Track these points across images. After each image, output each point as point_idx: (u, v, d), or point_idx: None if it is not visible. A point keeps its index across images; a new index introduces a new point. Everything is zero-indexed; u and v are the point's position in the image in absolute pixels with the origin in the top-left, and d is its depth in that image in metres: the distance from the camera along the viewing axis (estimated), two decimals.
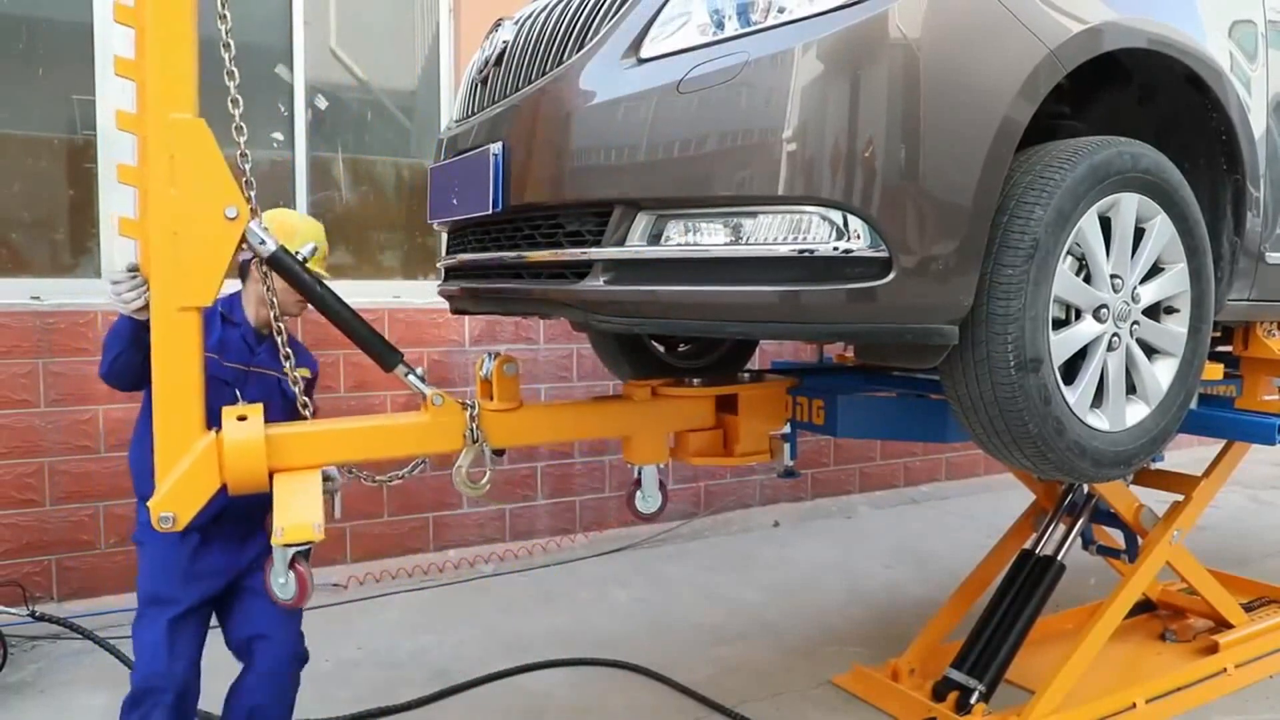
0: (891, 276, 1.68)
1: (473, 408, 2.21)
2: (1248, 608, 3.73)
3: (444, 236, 2.74)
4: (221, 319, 2.42)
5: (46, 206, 4.05)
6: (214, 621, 2.46)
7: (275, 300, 2.13)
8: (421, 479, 4.57)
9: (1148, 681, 3.16)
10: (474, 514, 4.83)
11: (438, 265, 2.92)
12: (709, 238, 1.78)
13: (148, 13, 1.78)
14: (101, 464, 3.95)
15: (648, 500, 2.61)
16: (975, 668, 3.06)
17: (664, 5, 1.86)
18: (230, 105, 1.95)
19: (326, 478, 2.22)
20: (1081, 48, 1.86)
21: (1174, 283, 2.09)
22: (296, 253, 2.11)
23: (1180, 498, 3.22)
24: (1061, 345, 1.90)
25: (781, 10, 1.74)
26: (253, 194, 1.94)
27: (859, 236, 1.68)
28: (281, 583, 1.92)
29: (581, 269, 1.95)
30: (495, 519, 4.90)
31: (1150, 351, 2.09)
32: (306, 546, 1.90)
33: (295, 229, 2.45)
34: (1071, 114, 2.29)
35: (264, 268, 2.08)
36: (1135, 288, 2.02)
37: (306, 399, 2.14)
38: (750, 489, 5.70)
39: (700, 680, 3.35)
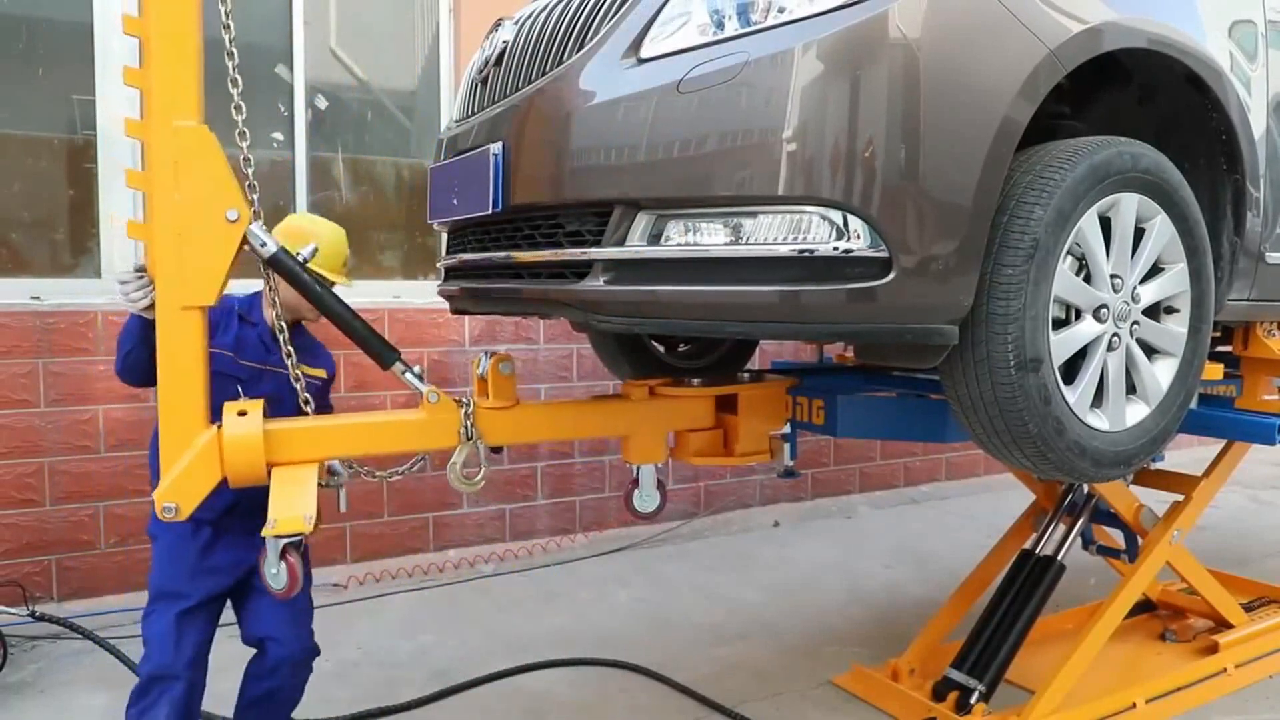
0: (891, 276, 1.68)
1: (467, 405, 2.24)
2: (1248, 608, 3.73)
3: (444, 236, 2.75)
4: (240, 319, 2.46)
5: (46, 206, 4.05)
6: (219, 622, 2.49)
7: (278, 300, 2.20)
8: (421, 479, 4.57)
9: (1148, 681, 3.17)
10: (474, 514, 4.83)
11: (438, 265, 2.92)
12: (709, 238, 1.78)
13: (153, 25, 1.86)
14: (101, 464, 3.95)
15: (645, 499, 2.61)
16: (975, 668, 3.06)
17: (664, 5, 1.86)
18: (234, 111, 2.02)
19: (333, 472, 2.32)
20: (1081, 48, 1.86)
21: (1174, 283, 2.09)
22: (297, 253, 2.15)
23: (1180, 498, 3.22)
24: (1061, 345, 1.90)
25: (781, 10, 1.74)
26: (255, 197, 2.01)
27: (859, 236, 1.68)
28: (274, 572, 1.98)
29: (581, 269, 1.95)
30: (495, 519, 4.90)
31: (1150, 351, 2.09)
32: (297, 538, 1.95)
33: (304, 233, 2.49)
34: (1071, 114, 2.29)
35: (267, 268, 2.13)
36: (1135, 288, 2.02)
37: (308, 395, 2.19)
38: (750, 489, 5.70)
39: (700, 680, 3.35)
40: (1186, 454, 5.05)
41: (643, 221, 1.83)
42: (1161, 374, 2.11)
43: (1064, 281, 1.88)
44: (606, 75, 1.89)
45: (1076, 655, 2.93)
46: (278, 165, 4.47)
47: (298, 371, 2.17)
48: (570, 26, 2.05)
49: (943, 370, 1.93)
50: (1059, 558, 3.22)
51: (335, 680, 3.35)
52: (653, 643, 3.74)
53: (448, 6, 4.85)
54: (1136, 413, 2.07)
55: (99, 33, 3.99)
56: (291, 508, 1.95)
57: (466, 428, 2.23)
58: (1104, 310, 1.97)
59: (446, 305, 2.74)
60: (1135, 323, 2.03)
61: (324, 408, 2.54)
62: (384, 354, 2.21)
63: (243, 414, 2.00)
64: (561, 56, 2.03)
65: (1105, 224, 1.96)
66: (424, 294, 4.69)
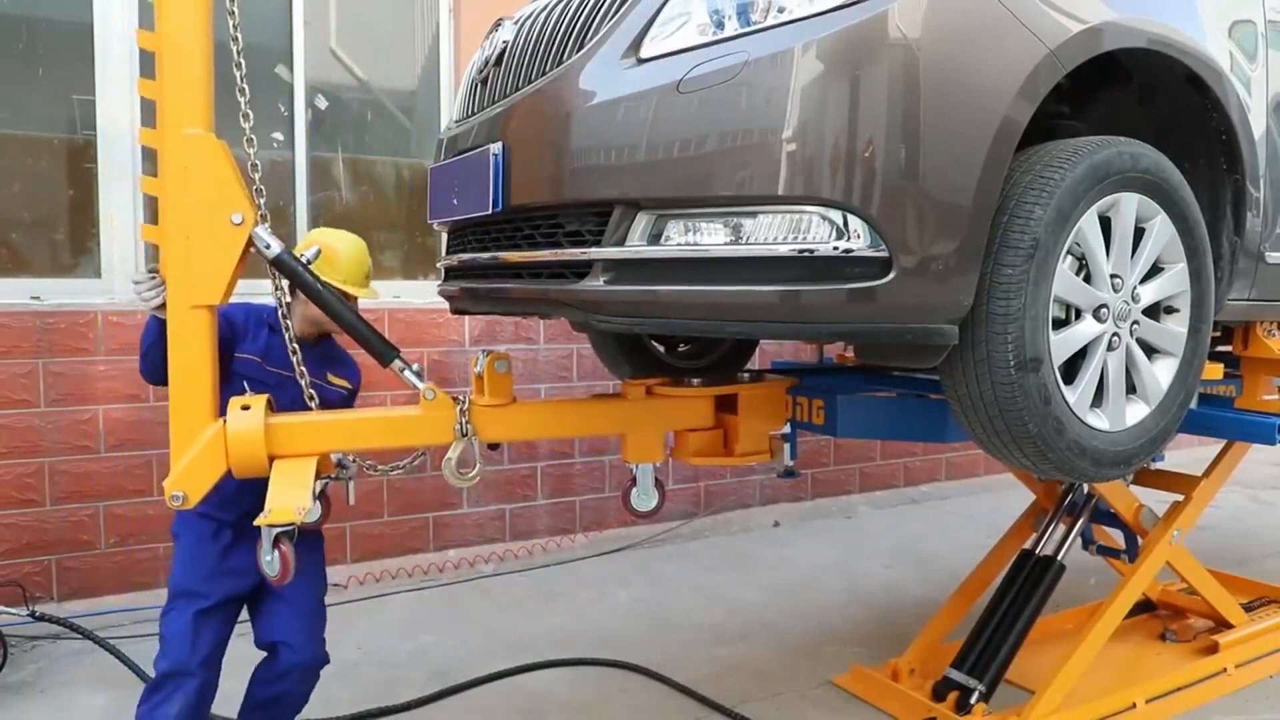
0: (891, 276, 1.68)
1: (463, 402, 2.29)
2: (1248, 608, 3.74)
3: (444, 236, 2.75)
4: (270, 328, 2.51)
5: (46, 206, 4.06)
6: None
7: (283, 300, 2.28)
8: (421, 479, 4.57)
9: (1148, 681, 3.17)
10: (474, 514, 4.83)
11: (438, 265, 2.93)
12: (709, 237, 1.78)
13: (166, 40, 1.99)
14: (101, 464, 3.95)
15: (643, 498, 2.61)
16: (975, 668, 3.06)
17: (664, 5, 1.86)
18: (241, 120, 2.12)
19: (342, 466, 2.39)
20: (1081, 48, 1.85)
21: (1174, 282, 2.09)
22: (301, 256, 2.25)
23: (1180, 498, 3.22)
24: (1061, 345, 1.90)
25: (781, 10, 1.74)
26: (262, 201, 2.11)
27: (859, 236, 1.68)
28: (269, 560, 2.06)
29: (581, 269, 1.95)
30: (495, 519, 4.90)
31: (1150, 351, 2.09)
32: (289, 527, 2.04)
33: (321, 244, 2.52)
34: (1071, 114, 2.29)
35: (272, 269, 2.20)
36: (1135, 287, 2.02)
37: (313, 392, 2.29)
38: (750, 489, 5.70)
39: (700, 680, 3.35)
40: (1186, 454, 5.05)
41: (643, 221, 1.83)
42: (1161, 374, 2.11)
43: (1064, 281, 1.88)
44: (606, 75, 1.89)
45: (1076, 655, 2.93)
46: (278, 165, 4.47)
47: (308, 379, 2.28)
48: (570, 26, 2.05)
49: (943, 370, 1.93)
50: (1059, 558, 3.22)
51: (335, 680, 3.34)
52: (653, 643, 3.74)
53: (448, 6, 4.85)
54: (1136, 412, 2.07)
55: (99, 33, 3.99)
56: (286, 498, 2.04)
57: (462, 424, 2.27)
58: (1104, 310, 1.97)
59: (446, 305, 2.75)
60: (1135, 322, 2.03)
61: None
62: (384, 352, 2.28)
63: (246, 408, 2.09)
64: (561, 56, 2.03)
65: (1105, 224, 1.96)
66: (424, 294, 4.70)
